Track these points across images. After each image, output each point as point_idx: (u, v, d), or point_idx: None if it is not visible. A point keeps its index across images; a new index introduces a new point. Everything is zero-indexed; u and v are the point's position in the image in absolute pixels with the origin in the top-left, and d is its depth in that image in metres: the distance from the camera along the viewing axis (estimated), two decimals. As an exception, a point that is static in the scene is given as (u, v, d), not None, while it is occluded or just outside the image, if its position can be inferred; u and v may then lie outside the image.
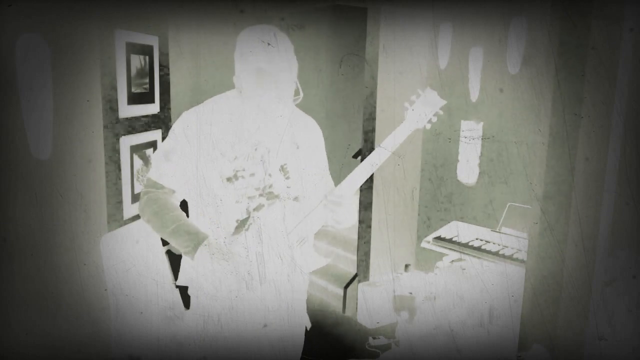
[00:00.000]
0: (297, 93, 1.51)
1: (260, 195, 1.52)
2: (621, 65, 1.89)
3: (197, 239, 1.46)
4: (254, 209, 1.52)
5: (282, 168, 1.55)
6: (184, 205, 1.58)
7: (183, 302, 1.76)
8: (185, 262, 1.58)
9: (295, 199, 1.57)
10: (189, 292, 1.58)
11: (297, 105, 1.57)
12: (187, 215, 1.56)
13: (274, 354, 1.57)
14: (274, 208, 1.53)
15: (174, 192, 1.54)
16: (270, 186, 1.53)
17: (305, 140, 1.60)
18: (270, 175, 1.53)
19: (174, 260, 1.86)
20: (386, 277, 3.20)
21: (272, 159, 1.53)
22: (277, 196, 1.54)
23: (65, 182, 1.89)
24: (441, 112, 1.52)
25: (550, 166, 2.07)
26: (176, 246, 1.49)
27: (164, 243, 1.86)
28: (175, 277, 1.82)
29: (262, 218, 1.52)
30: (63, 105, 1.84)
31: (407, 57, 3.19)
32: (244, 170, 1.50)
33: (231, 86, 1.54)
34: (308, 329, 1.68)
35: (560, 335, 2.09)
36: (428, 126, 1.54)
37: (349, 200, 1.50)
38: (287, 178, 1.55)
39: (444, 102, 1.52)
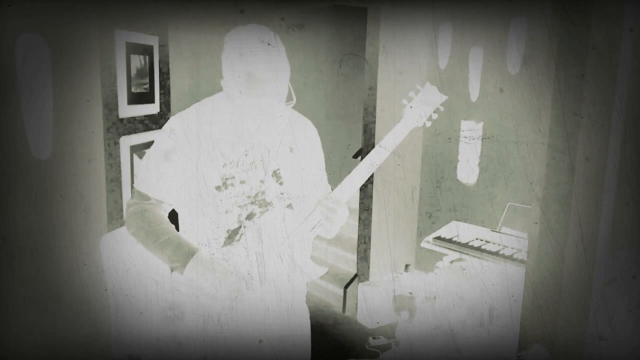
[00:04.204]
0: (289, 98, 1.43)
1: (252, 203, 1.47)
2: (621, 65, 1.89)
3: (186, 253, 1.41)
4: (245, 218, 1.47)
5: (275, 173, 1.49)
6: (173, 217, 1.54)
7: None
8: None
9: (289, 206, 1.51)
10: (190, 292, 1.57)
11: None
12: (178, 226, 1.51)
13: (274, 355, 1.57)
14: (268, 214, 1.48)
15: (161, 203, 1.48)
16: (263, 193, 1.48)
17: (302, 142, 1.55)
18: (262, 182, 1.48)
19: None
20: (386, 277, 3.20)
21: (266, 164, 1.48)
22: (269, 203, 1.49)
23: (65, 182, 1.89)
24: (442, 109, 1.43)
25: (550, 166, 2.07)
26: (164, 261, 1.43)
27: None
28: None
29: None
30: (63, 105, 1.84)
31: (407, 57, 3.19)
32: (233, 177, 1.45)
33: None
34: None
35: (560, 335, 2.09)
36: (428, 124, 1.45)
37: (343, 207, 1.43)
38: (280, 184, 1.50)
39: (445, 98, 1.42)
